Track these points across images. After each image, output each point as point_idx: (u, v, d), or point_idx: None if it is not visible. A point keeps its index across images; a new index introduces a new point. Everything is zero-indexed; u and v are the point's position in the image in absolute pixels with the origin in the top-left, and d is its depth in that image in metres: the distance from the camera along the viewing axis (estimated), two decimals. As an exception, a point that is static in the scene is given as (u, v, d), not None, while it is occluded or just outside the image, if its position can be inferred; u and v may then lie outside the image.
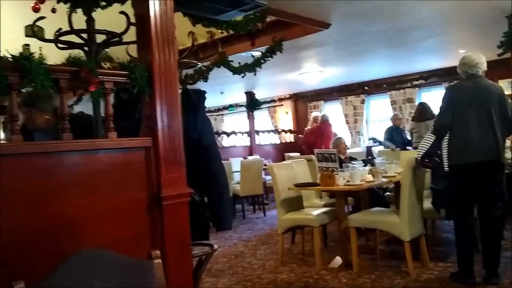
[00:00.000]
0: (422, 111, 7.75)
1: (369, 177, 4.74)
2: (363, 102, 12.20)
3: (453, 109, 3.83)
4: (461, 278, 3.84)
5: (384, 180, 4.85)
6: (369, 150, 10.78)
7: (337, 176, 4.60)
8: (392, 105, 11.58)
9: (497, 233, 3.83)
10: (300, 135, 9.45)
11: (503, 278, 3.80)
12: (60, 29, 2.80)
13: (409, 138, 8.93)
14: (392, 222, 4.26)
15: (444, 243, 5.17)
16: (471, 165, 3.73)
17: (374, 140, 11.79)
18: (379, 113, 12.22)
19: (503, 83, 9.62)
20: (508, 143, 4.09)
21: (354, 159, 5.92)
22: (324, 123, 9.36)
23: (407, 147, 8.39)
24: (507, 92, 9.06)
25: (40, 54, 2.13)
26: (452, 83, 4.00)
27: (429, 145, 3.93)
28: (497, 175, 3.80)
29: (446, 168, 3.82)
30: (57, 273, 1.42)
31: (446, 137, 3.86)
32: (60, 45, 2.85)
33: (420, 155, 4.01)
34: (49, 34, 2.89)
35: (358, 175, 4.56)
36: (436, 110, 7.97)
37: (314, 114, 10.45)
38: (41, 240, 2.05)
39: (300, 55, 8.38)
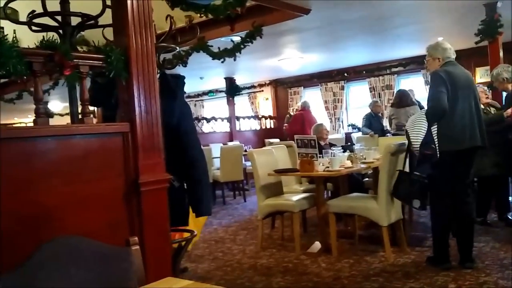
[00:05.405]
0: (402, 98, 7.77)
1: (348, 163, 4.77)
2: (342, 88, 12.25)
3: (447, 93, 3.70)
4: (437, 262, 3.91)
5: (362, 166, 4.89)
6: (348, 136, 10.84)
7: (316, 162, 4.63)
8: (371, 91, 11.65)
9: (470, 218, 3.90)
10: (285, 124, 9.42)
11: (477, 262, 3.88)
12: (34, 11, 2.72)
13: (385, 124, 8.97)
14: (370, 207, 4.30)
15: (420, 228, 5.25)
16: (465, 151, 3.72)
17: (353, 126, 11.87)
18: (358, 99, 12.30)
19: (480, 71, 9.78)
20: None
21: (334, 145, 5.94)
22: (305, 110, 9.36)
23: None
24: (484, 80, 9.17)
25: (14, 37, 2.07)
26: (437, 69, 3.92)
27: (424, 132, 3.74)
28: (475, 160, 3.88)
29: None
30: (32, 260, 1.38)
31: (435, 124, 3.73)
32: (34, 28, 2.78)
33: (417, 144, 3.77)
34: (23, 17, 2.81)
35: (337, 161, 4.58)
36: (415, 96, 8.07)
37: (300, 102, 10.41)
38: (17, 228, 2.01)
39: (280, 41, 8.34)
